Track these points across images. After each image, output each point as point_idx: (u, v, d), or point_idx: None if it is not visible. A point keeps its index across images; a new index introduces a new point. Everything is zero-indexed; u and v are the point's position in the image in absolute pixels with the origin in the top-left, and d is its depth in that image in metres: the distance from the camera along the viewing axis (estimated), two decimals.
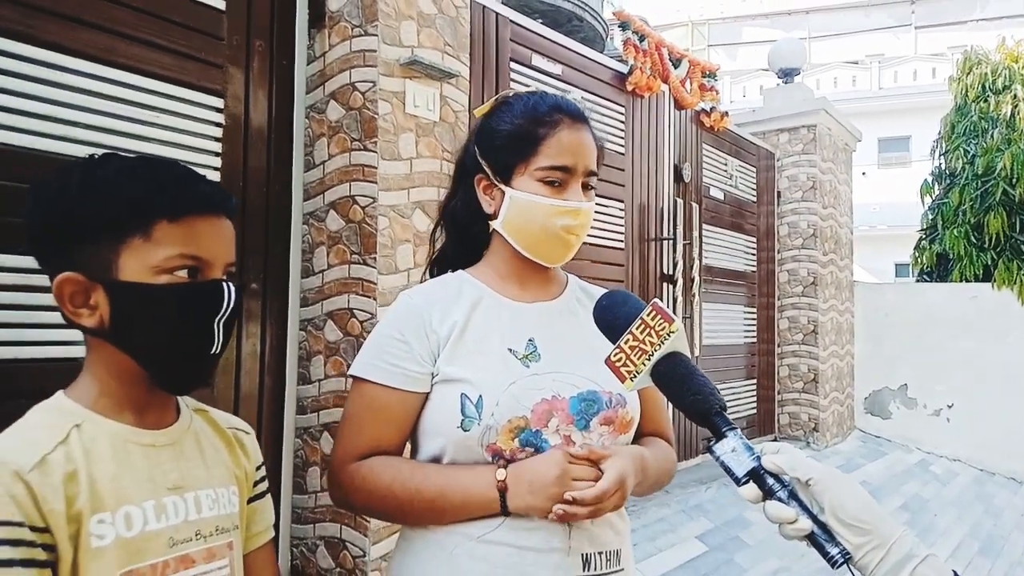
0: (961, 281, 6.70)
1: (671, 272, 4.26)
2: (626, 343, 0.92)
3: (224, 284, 0.87)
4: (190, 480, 0.89)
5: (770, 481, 0.82)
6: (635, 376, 0.92)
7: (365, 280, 2.30)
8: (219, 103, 2.15)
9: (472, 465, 1.04)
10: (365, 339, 2.27)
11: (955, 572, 0.75)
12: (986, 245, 6.61)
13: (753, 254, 5.47)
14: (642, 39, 4.01)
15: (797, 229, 5.72)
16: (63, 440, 0.80)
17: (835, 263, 6.02)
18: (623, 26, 3.96)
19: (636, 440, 1.18)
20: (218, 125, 2.15)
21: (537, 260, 1.14)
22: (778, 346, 5.72)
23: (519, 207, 1.11)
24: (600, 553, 1.05)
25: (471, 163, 1.18)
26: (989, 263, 6.56)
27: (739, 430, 0.86)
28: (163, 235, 0.83)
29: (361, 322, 2.30)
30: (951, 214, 6.86)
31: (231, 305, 0.88)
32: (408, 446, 1.15)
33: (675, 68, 4.34)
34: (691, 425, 4.38)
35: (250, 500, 1.02)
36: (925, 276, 7.35)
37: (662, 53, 4.19)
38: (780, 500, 0.81)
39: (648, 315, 0.92)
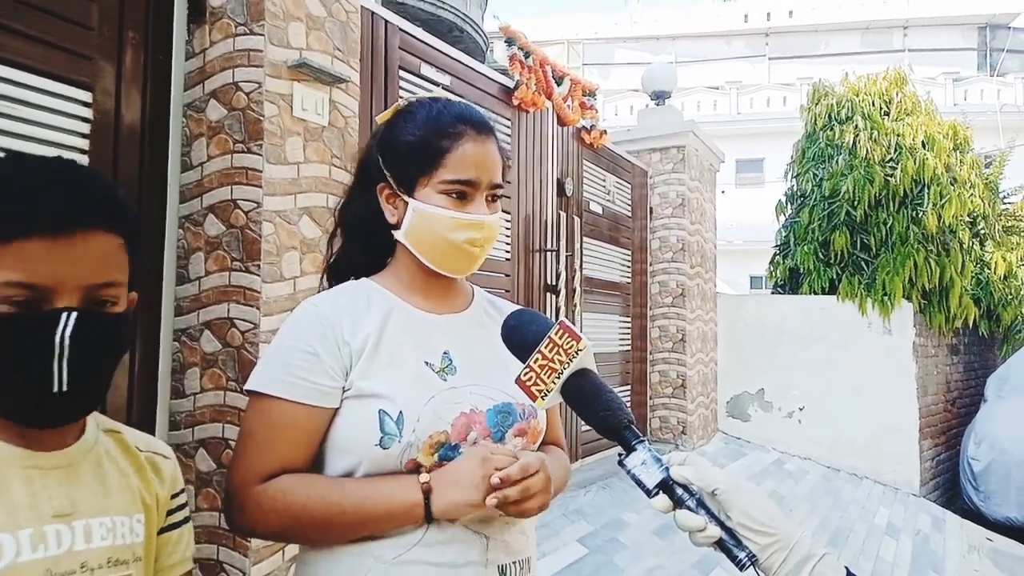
0: (810, 294, 7.27)
1: (554, 283, 4.36)
2: (535, 362, 0.93)
3: (63, 315, 0.75)
4: (82, 507, 0.81)
5: (679, 492, 0.86)
6: (546, 395, 0.93)
7: (247, 288, 2.20)
8: (87, 97, 2.00)
9: (393, 475, 1.00)
10: (245, 350, 2.22)
11: (847, 568, 0.82)
12: (832, 261, 7.22)
13: (628, 266, 5.70)
14: (527, 55, 4.10)
15: (667, 243, 6.02)
16: None
17: (701, 276, 6.39)
18: (509, 42, 4.03)
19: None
20: (86, 120, 2.00)
21: (442, 272, 1.12)
22: (650, 354, 5.99)
23: (422, 219, 1.08)
24: (515, 562, 1.04)
25: (373, 170, 1.14)
26: (834, 277, 7.16)
27: (647, 443, 0.89)
28: None
29: (242, 332, 2.20)
30: (802, 232, 7.44)
31: (66, 342, 0.75)
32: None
33: (558, 85, 4.47)
34: (569, 430, 4.49)
35: (163, 530, 0.93)
36: (779, 288, 7.92)
37: (546, 70, 4.30)
38: (690, 509, 0.84)
39: (556, 334, 0.93)
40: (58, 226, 0.75)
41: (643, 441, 0.89)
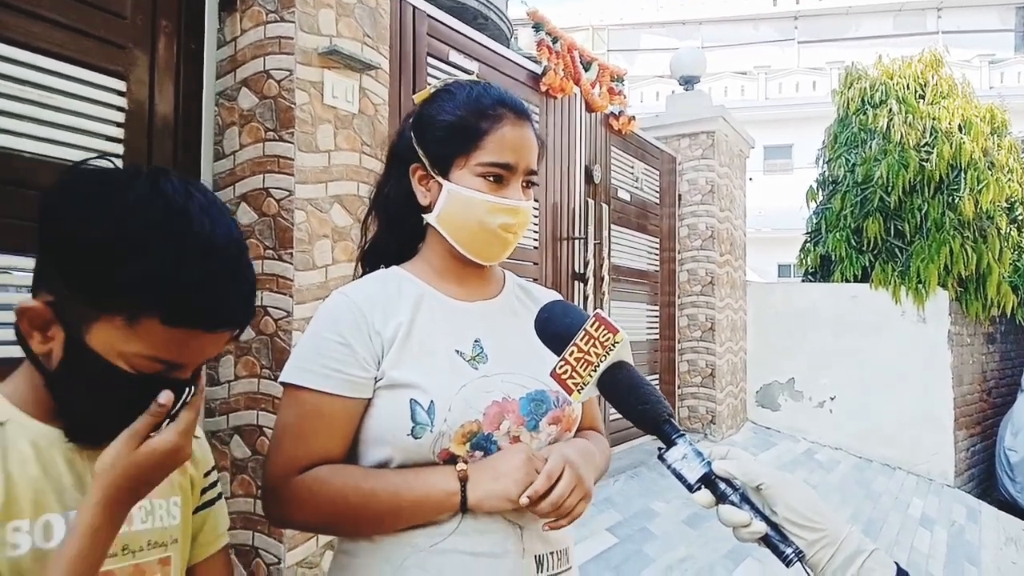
0: (842, 281, 7.15)
1: (582, 271, 4.33)
2: (571, 355, 0.91)
3: (188, 389, 0.79)
4: None
5: (722, 486, 0.84)
6: (582, 388, 0.91)
7: (280, 276, 2.21)
8: (121, 86, 2.01)
9: (430, 465, 0.99)
10: (279, 338, 2.23)
11: (897, 564, 0.80)
12: (864, 248, 7.09)
13: (656, 254, 5.65)
14: (555, 41, 4.05)
15: (696, 231, 5.95)
16: None
17: (730, 264, 6.31)
18: (537, 27, 3.99)
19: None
20: (120, 110, 2.00)
21: (472, 258, 1.10)
22: (678, 342, 5.93)
23: (457, 202, 1.07)
24: (552, 553, 1.03)
25: (406, 151, 1.12)
26: (867, 265, 7.04)
27: (688, 436, 0.88)
28: (147, 332, 0.73)
29: (275, 320, 2.21)
30: (834, 219, 7.31)
31: (180, 407, 0.79)
32: None
33: (585, 71, 4.42)
34: None
35: (198, 509, 0.94)
36: (810, 276, 7.80)
37: (574, 56, 4.25)
38: (733, 504, 0.83)
39: (592, 326, 0.91)
40: (222, 328, 0.78)
41: (683, 435, 0.87)
